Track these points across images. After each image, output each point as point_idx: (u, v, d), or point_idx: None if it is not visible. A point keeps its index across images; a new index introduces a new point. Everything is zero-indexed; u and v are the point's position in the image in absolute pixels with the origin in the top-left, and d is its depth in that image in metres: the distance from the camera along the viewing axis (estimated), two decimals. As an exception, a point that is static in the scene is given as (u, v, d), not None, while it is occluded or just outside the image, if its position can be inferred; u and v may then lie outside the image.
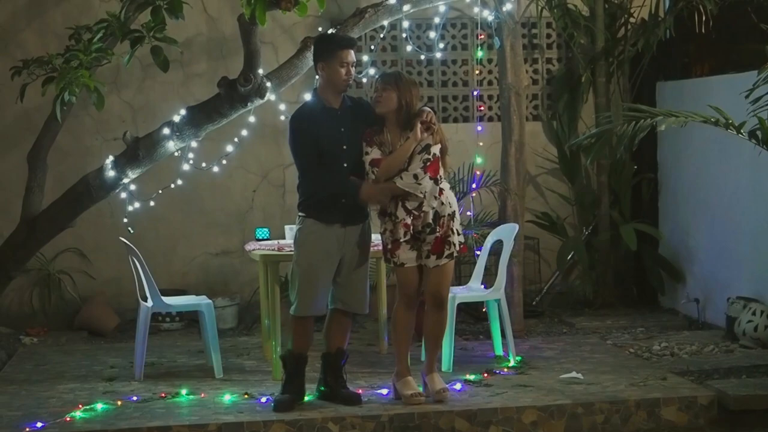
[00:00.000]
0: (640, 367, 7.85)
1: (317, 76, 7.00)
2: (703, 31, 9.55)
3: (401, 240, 6.79)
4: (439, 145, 6.81)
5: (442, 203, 6.83)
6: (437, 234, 6.81)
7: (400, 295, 6.91)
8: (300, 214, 6.94)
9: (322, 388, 7.03)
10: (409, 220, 6.78)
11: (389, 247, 6.84)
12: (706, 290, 9.41)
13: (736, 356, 8.12)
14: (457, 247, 6.90)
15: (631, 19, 10.20)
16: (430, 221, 6.79)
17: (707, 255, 9.46)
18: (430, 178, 6.76)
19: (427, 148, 6.77)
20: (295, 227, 7.02)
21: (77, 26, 8.11)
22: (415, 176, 6.74)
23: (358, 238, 6.92)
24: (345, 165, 6.81)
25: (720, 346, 8.43)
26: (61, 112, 7.78)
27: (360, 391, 7.09)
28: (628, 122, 7.41)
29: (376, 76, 7.10)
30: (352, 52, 6.92)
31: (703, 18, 9.56)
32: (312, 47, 7.24)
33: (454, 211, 6.89)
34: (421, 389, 6.95)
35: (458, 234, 6.90)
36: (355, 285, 6.94)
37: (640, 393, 7.06)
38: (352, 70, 6.90)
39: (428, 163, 6.76)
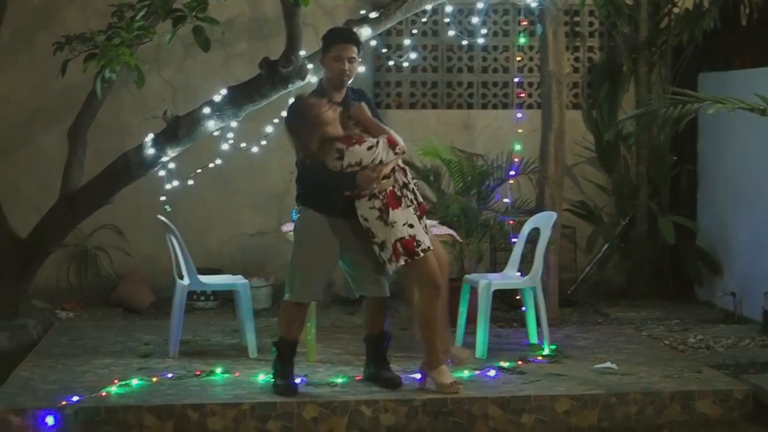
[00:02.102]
0: (675, 359, 7.82)
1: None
2: (747, 22, 9.48)
3: (422, 203, 6.73)
4: None
5: None
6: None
7: (432, 287, 6.70)
8: (299, 204, 6.92)
9: (367, 370, 7.09)
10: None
11: (414, 233, 6.62)
12: (743, 284, 9.35)
13: (773, 351, 8.08)
14: None
15: (675, 9, 10.13)
16: None
17: (745, 248, 9.40)
18: None
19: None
20: (295, 216, 7.01)
21: (120, 3, 8.11)
22: None
23: (361, 225, 6.85)
24: None
25: (756, 340, 8.39)
26: (102, 89, 7.80)
27: (397, 375, 7.10)
28: (673, 105, 7.36)
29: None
30: (350, 46, 6.82)
31: (747, 9, 9.49)
32: None
33: None
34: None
35: None
36: (368, 269, 6.90)
37: (674, 385, 7.03)
38: (350, 65, 6.80)
39: None
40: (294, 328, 6.97)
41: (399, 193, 6.63)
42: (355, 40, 6.95)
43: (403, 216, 6.61)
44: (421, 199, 6.79)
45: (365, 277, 6.93)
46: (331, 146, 6.56)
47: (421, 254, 6.62)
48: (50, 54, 8.08)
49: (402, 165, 6.75)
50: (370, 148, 6.55)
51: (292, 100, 7.00)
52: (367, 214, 6.64)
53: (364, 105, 6.75)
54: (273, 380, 6.92)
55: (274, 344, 6.98)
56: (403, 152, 6.68)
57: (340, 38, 6.89)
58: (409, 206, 6.66)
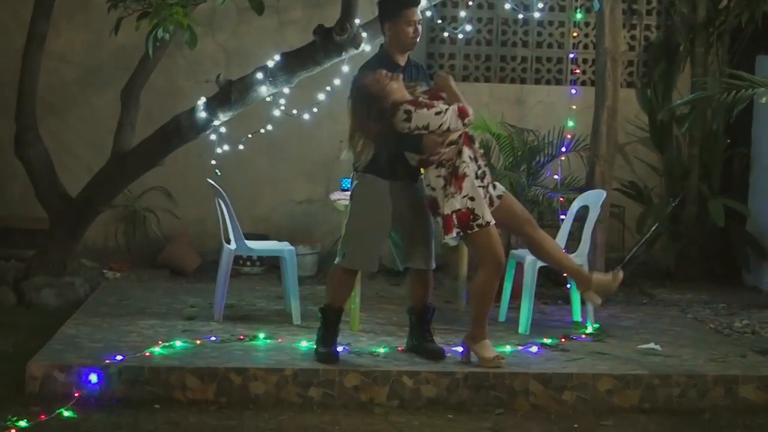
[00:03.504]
0: (720, 343, 7.77)
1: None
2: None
3: (468, 175, 6.61)
4: None
5: None
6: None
7: (491, 263, 6.67)
8: (357, 171, 6.88)
9: (410, 341, 7.10)
10: (480, 150, 6.78)
11: (473, 207, 6.59)
12: (792, 270, 9.29)
13: (819, 338, 8.01)
14: None
15: (736, -11, 10.02)
16: None
17: (796, 234, 9.32)
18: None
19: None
20: (353, 183, 6.98)
21: (176, -36, 8.12)
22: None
23: (416, 194, 6.87)
24: None
25: (803, 327, 8.34)
26: (154, 50, 7.81)
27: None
28: (727, 91, 7.28)
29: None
30: (416, 9, 6.87)
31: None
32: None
33: None
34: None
35: None
36: (417, 241, 6.92)
37: (718, 369, 6.97)
38: (419, 27, 6.86)
39: None
40: (341, 295, 6.97)
41: (461, 164, 6.60)
42: (419, 2, 7.02)
43: (465, 188, 6.59)
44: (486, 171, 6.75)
45: (412, 249, 6.92)
46: (399, 109, 6.57)
47: (476, 228, 6.59)
48: (105, 14, 8.09)
49: (471, 133, 6.72)
50: (438, 113, 6.56)
51: (356, 74, 6.92)
52: (434, 182, 6.64)
53: (451, 78, 6.74)
54: (315, 347, 6.94)
55: (320, 310, 6.99)
56: (471, 123, 6.68)
57: (409, 3, 6.89)
58: (476, 177, 6.63)
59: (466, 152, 6.61)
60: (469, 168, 6.60)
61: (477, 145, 6.76)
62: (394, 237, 6.99)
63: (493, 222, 6.64)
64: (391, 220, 6.85)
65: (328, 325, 6.93)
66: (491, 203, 6.71)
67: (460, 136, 6.60)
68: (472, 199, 6.59)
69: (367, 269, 7.04)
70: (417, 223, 6.89)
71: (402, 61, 6.89)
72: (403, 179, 6.80)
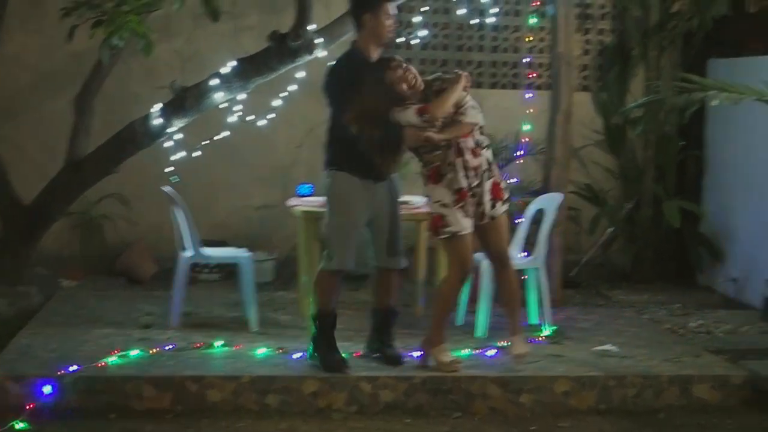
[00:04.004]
0: (675, 343, 7.83)
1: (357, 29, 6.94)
2: (757, 9, 9.44)
3: (464, 189, 6.62)
4: None
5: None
6: (494, 177, 6.80)
7: (458, 270, 6.74)
8: (330, 168, 6.82)
9: (370, 344, 7.09)
10: (476, 162, 6.69)
11: (445, 213, 6.64)
12: (744, 270, 9.36)
13: (772, 338, 8.09)
14: (508, 194, 6.92)
15: (687, -6, 10.10)
16: (487, 163, 6.79)
17: (748, 235, 9.39)
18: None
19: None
20: (325, 182, 6.92)
21: (130, -30, 8.08)
22: (479, 106, 6.85)
23: (387, 193, 6.88)
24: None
25: (755, 326, 8.42)
26: (109, 57, 7.77)
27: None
28: (679, 94, 7.33)
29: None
30: (394, 4, 6.93)
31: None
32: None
33: None
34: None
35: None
36: (386, 240, 6.92)
37: (673, 369, 7.04)
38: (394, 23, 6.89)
39: None
40: (332, 299, 6.88)
41: (445, 172, 6.65)
42: None
43: (438, 193, 6.67)
44: (476, 181, 6.73)
45: (383, 248, 6.92)
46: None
47: (444, 236, 6.67)
48: (59, 19, 8.04)
49: (470, 147, 6.71)
50: (404, 110, 6.63)
51: (330, 69, 6.93)
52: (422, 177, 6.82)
53: (463, 78, 6.80)
54: (317, 355, 6.84)
55: (313, 319, 6.91)
56: (435, 121, 6.65)
57: None
58: (458, 187, 6.66)
59: (458, 162, 6.65)
60: (454, 176, 6.64)
61: (470, 156, 6.68)
62: (366, 235, 6.97)
63: (467, 232, 6.68)
64: (364, 218, 6.83)
65: (327, 333, 6.86)
66: (481, 218, 6.74)
67: (449, 145, 6.63)
68: (444, 206, 6.66)
69: (348, 268, 6.87)
70: (388, 221, 6.90)
71: (375, 55, 6.85)
72: (374, 177, 6.78)
